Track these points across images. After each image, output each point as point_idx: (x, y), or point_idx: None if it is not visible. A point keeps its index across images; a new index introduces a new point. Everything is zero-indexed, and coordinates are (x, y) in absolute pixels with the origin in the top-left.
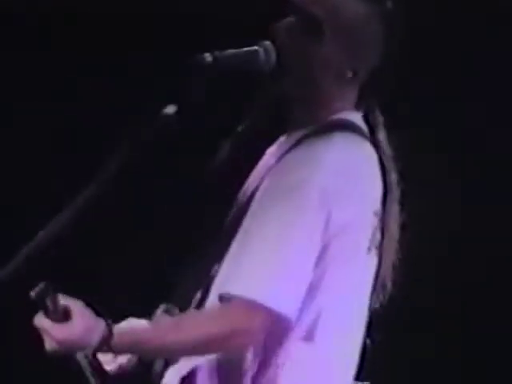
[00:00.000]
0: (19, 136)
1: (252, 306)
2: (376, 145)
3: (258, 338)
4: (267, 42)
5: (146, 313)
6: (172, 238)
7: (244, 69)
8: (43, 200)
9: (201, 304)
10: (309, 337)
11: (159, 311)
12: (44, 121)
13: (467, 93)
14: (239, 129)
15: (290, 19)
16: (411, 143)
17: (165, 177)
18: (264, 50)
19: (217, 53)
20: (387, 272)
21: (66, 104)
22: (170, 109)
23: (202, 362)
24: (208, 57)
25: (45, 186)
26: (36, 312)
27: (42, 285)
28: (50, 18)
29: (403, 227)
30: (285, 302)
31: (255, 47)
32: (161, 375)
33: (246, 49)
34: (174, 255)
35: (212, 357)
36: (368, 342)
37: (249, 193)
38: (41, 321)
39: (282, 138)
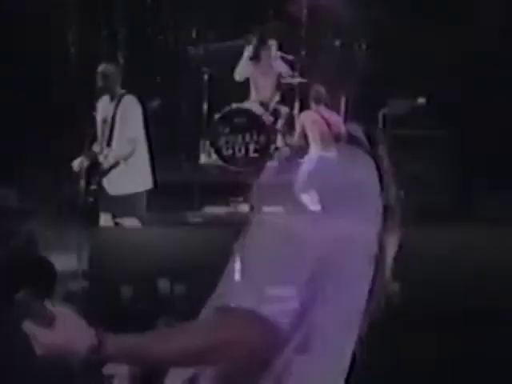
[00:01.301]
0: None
1: (249, 315)
2: (376, 158)
3: (255, 348)
4: (250, 35)
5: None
6: None
7: (230, 59)
8: None
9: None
10: (305, 349)
11: (159, 323)
12: None
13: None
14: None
15: (275, 20)
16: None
17: None
18: (247, 41)
19: (205, 45)
20: (383, 284)
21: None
22: (155, 102)
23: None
24: (193, 49)
25: None
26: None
27: (22, 292)
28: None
29: (401, 241)
30: (280, 313)
31: (240, 40)
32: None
33: (231, 42)
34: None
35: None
36: (358, 352)
37: (251, 203)
38: (27, 326)
39: (282, 148)
